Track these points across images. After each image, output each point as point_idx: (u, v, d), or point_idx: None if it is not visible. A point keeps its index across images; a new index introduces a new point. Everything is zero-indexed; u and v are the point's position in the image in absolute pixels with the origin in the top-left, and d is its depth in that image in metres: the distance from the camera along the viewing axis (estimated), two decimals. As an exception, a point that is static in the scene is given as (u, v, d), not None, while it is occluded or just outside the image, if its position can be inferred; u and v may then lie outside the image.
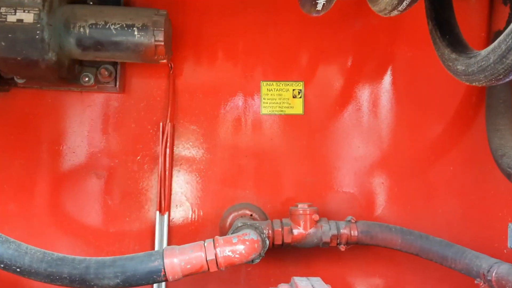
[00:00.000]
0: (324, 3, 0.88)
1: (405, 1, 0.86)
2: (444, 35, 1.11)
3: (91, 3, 1.46)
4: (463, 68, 0.91)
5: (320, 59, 1.65)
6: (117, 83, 1.52)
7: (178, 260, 1.12)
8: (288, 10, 1.61)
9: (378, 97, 1.66)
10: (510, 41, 0.70)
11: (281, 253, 1.50)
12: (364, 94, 1.65)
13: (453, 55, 1.01)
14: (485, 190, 1.59)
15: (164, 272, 1.11)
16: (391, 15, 0.97)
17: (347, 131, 1.64)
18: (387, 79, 1.67)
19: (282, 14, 1.62)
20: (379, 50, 1.67)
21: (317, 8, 0.90)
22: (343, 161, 1.63)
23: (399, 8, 0.91)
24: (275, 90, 1.62)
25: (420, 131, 1.65)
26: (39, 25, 1.25)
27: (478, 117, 1.62)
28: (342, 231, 1.39)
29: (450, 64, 1.00)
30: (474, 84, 0.89)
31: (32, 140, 1.56)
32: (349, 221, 1.42)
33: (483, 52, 0.83)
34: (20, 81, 1.49)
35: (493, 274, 1.15)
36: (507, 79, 0.80)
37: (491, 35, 1.62)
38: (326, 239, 1.38)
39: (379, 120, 1.65)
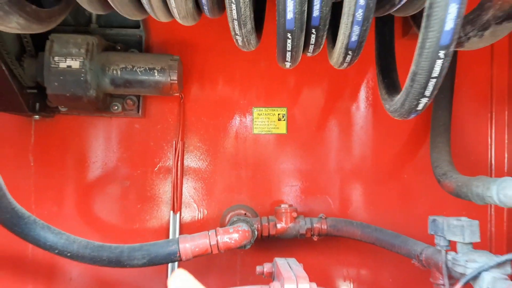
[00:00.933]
0: (290, 64, 1.25)
1: (345, 62, 1.24)
2: (384, 78, 1.49)
3: (119, 48, 1.86)
4: (388, 106, 1.28)
5: (300, 89, 2.03)
6: (139, 110, 1.90)
7: (189, 244, 1.50)
8: (274, 50, 1.99)
9: (349, 119, 2.04)
10: (404, 95, 1.08)
11: (268, 244, 1.88)
12: (337, 116, 2.03)
13: (386, 96, 1.38)
14: (428, 192, 1.96)
15: (179, 253, 1.49)
16: (341, 68, 1.35)
17: (323, 146, 2.02)
18: (356, 104, 2.05)
19: (270, 53, 2.01)
20: (350, 81, 2.04)
21: (286, 67, 1.28)
22: (320, 171, 2.00)
23: (344, 66, 1.29)
24: (264, 114, 2.00)
25: (384, 147, 2.03)
26: (83, 70, 1.64)
27: (427, 136, 2.00)
28: (315, 225, 1.77)
29: (383, 102, 1.38)
30: (395, 118, 1.27)
31: (71, 155, 1.94)
32: (320, 217, 1.79)
33: (396, 97, 1.20)
34: (63, 109, 1.88)
35: (423, 255, 1.51)
36: (411, 117, 1.17)
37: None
38: (302, 231, 1.75)
39: (349, 138, 2.03)
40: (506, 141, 2.01)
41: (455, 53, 1.92)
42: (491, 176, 2.03)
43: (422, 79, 0.97)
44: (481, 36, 1.19)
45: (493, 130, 2.02)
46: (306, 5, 1.03)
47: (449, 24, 0.86)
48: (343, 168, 2.01)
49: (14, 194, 1.45)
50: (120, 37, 1.87)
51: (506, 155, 2.01)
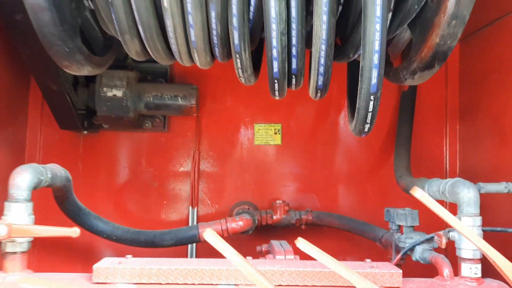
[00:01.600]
0: (279, 97, 1.73)
1: (317, 97, 1.71)
2: (350, 104, 1.96)
3: (149, 78, 2.36)
4: (350, 127, 1.76)
5: (292, 109, 2.51)
6: (165, 127, 2.40)
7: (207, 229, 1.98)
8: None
9: (333, 132, 2.52)
10: (355, 121, 1.55)
11: (266, 231, 2.35)
12: (322, 130, 2.51)
13: (350, 119, 1.86)
14: (394, 190, 2.42)
15: (199, 236, 1.97)
16: (316, 99, 1.82)
17: (311, 154, 2.49)
18: (339, 120, 2.52)
19: (267, 83, 2.49)
20: (333, 101, 2.51)
21: (276, 98, 1.76)
22: (308, 174, 2.48)
23: (318, 98, 1.76)
24: (263, 129, 2.49)
25: (361, 154, 2.51)
26: (125, 98, 2.14)
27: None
28: (302, 216, 2.24)
29: (349, 123, 1.85)
30: (357, 136, 1.74)
31: (111, 162, 2.44)
32: (307, 211, 2.27)
33: (353, 121, 1.67)
34: (105, 126, 2.38)
35: (383, 238, 1.98)
36: (362, 136, 1.64)
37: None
38: (293, 221, 2.23)
39: (333, 147, 2.51)
40: (457, 151, 2.48)
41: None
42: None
43: (362, 112, 1.45)
44: (413, 78, 1.67)
45: (448, 142, 2.49)
46: (286, 62, 1.52)
47: (374, 80, 1.34)
48: (328, 171, 2.49)
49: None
50: (150, 70, 2.37)
51: (457, 162, 2.48)
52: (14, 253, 1.38)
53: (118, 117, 2.17)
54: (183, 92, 2.22)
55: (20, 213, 1.38)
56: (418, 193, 1.11)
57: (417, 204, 2.30)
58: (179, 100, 2.21)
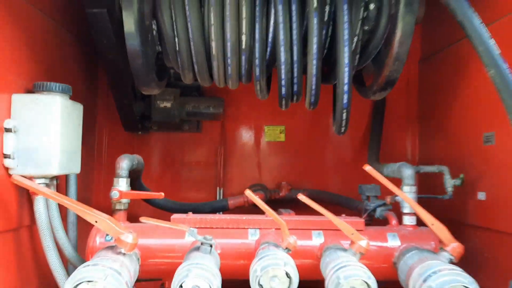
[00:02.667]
0: (285, 108, 2.50)
1: (311, 108, 2.49)
2: (333, 114, 2.74)
3: (178, 87, 3.12)
4: (334, 129, 2.53)
5: (293, 115, 3.28)
6: (199, 128, 3.18)
7: (233, 201, 2.77)
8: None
9: (324, 131, 3.30)
10: (335, 123, 2.32)
11: (274, 205, 3.09)
12: (316, 130, 3.29)
13: (333, 123, 2.63)
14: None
15: (228, 205, 2.75)
16: (310, 109, 2.59)
17: (308, 148, 3.27)
18: (330, 122, 3.30)
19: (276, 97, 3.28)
20: (324, 109, 3.28)
21: (283, 109, 2.53)
22: (306, 163, 3.26)
23: (311, 108, 2.53)
24: (271, 130, 3.26)
25: (346, 148, 3.29)
26: (173, 108, 2.91)
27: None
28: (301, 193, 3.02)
29: (333, 126, 2.63)
30: (338, 134, 2.51)
31: (158, 156, 3.22)
32: (304, 190, 3.05)
33: (334, 125, 2.45)
34: (154, 128, 3.15)
35: (358, 207, 2.75)
36: (340, 135, 2.41)
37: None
38: (293, 197, 3.00)
39: (324, 142, 3.28)
40: (417, 144, 3.26)
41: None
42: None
43: (339, 119, 2.23)
44: (374, 95, 2.44)
45: (410, 137, 3.28)
46: (291, 87, 2.29)
47: (345, 101, 2.12)
48: (320, 160, 3.27)
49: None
50: (188, 86, 3.13)
51: (417, 154, 3.26)
52: (120, 209, 2.17)
53: (166, 123, 2.95)
54: (213, 103, 3.00)
55: (123, 184, 2.16)
56: (367, 168, 1.89)
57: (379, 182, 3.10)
58: (210, 109, 2.99)
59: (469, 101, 2.47)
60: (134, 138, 3.20)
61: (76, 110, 2.18)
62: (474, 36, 1.69)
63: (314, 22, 2.01)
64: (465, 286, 1.66)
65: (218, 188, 3.19)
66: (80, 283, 1.60)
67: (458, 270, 1.73)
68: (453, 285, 1.66)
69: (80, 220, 2.23)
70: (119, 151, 3.02)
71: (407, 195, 2.15)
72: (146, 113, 2.99)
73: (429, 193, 2.55)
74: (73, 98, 2.15)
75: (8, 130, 1.91)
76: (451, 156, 2.69)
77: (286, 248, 1.91)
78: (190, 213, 2.24)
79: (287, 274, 1.73)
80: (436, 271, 1.72)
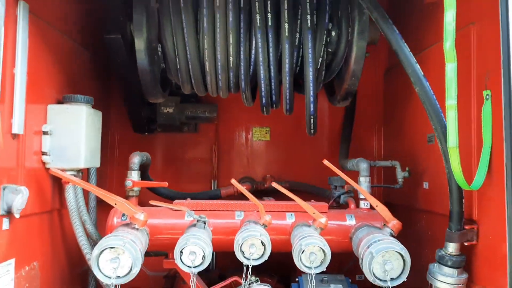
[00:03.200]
0: (266, 114, 3.01)
1: (287, 112, 2.99)
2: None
3: (179, 95, 3.64)
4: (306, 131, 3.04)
5: (277, 118, 3.78)
6: (196, 130, 3.69)
7: (225, 190, 3.28)
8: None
9: (303, 132, 3.81)
10: (307, 126, 2.84)
11: (259, 194, 3.62)
12: (296, 131, 3.80)
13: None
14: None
15: (221, 194, 3.27)
16: (287, 114, 3.10)
17: (290, 146, 3.79)
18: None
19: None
20: (302, 115, 3.80)
21: (264, 114, 3.03)
22: (287, 158, 3.78)
23: (288, 113, 3.04)
24: (258, 130, 3.78)
25: (321, 146, 3.80)
26: (174, 113, 3.43)
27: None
28: (282, 185, 3.53)
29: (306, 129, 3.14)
30: (309, 135, 3.03)
31: (162, 153, 3.73)
32: (285, 181, 3.55)
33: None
34: (159, 130, 3.66)
35: (327, 195, 3.27)
36: (312, 135, 2.93)
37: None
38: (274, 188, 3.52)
39: (303, 142, 3.79)
40: (382, 143, 3.78)
41: (354, 95, 3.70)
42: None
43: (308, 123, 2.75)
44: (339, 103, 2.96)
45: (376, 137, 3.79)
46: (269, 97, 2.80)
47: (312, 109, 2.63)
48: (299, 156, 3.78)
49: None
50: (187, 94, 3.64)
51: (382, 150, 3.78)
52: (132, 196, 2.68)
53: (170, 125, 3.46)
54: (209, 108, 3.51)
55: (135, 175, 2.67)
56: (325, 162, 2.41)
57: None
58: (206, 114, 3.50)
59: (416, 107, 2.98)
60: (142, 138, 3.71)
61: (96, 117, 2.68)
62: (404, 61, 2.20)
63: (286, 47, 2.52)
64: (397, 252, 2.17)
65: (212, 180, 3.70)
66: (105, 249, 2.11)
67: (393, 240, 2.24)
68: (387, 250, 2.17)
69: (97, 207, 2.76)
70: (128, 149, 3.52)
71: (359, 185, 2.67)
72: (152, 117, 3.49)
73: (389, 184, 3.08)
74: (93, 106, 2.65)
75: (45, 133, 2.41)
76: (405, 152, 3.21)
77: (263, 224, 2.42)
78: (189, 199, 2.75)
79: (262, 243, 2.24)
80: (377, 240, 2.24)
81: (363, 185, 2.76)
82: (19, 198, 2.03)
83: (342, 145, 3.59)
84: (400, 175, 2.94)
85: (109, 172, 3.58)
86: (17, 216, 2.06)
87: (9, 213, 2.04)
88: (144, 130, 3.52)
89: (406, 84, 3.22)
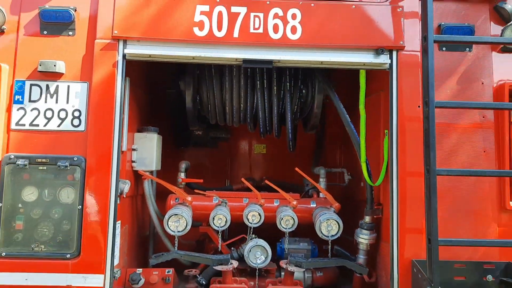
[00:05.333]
0: (263, 137, 4.59)
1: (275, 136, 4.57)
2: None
3: (206, 123, 5.24)
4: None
5: (271, 139, 5.36)
6: (216, 145, 5.29)
7: (235, 186, 4.88)
8: (262, 124, 5.40)
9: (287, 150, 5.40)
10: (288, 147, 4.42)
11: (259, 190, 5.21)
12: (284, 148, 5.37)
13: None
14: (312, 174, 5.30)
15: (232, 189, 4.86)
16: (263, 138, 4.69)
17: (280, 156, 5.37)
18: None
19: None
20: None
21: (262, 137, 4.61)
22: (280, 165, 5.36)
23: (268, 134, 4.62)
24: (258, 146, 5.37)
25: (302, 158, 5.39)
26: (203, 135, 5.02)
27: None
28: (273, 183, 5.12)
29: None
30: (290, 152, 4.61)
31: (195, 161, 5.32)
32: (275, 180, 5.13)
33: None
34: (192, 145, 5.25)
35: (304, 192, 4.84)
36: (292, 152, 4.51)
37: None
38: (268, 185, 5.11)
39: (288, 156, 5.38)
40: (343, 156, 5.38)
41: (323, 124, 5.29)
42: (338, 168, 5.40)
43: (289, 144, 4.35)
44: (309, 131, 4.56)
45: (339, 152, 5.39)
46: (266, 127, 4.39)
47: (291, 135, 4.24)
48: (286, 164, 5.35)
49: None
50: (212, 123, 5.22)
51: (343, 161, 5.37)
52: (181, 187, 4.28)
53: (198, 142, 5.07)
54: (225, 132, 5.11)
55: (183, 175, 4.28)
56: (297, 169, 4.01)
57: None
58: (223, 135, 5.11)
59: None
60: (179, 150, 5.31)
61: (160, 139, 4.28)
62: (339, 111, 3.81)
63: (275, 100, 4.12)
64: (335, 220, 3.77)
65: (226, 180, 5.30)
66: (171, 216, 3.71)
67: (334, 214, 3.84)
68: (329, 219, 3.76)
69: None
70: (170, 158, 5.13)
71: (318, 184, 4.26)
72: (187, 137, 5.10)
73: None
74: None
75: (134, 149, 4.01)
76: (354, 162, 4.81)
77: (260, 205, 4.01)
78: (214, 190, 4.35)
79: (259, 214, 3.84)
80: (324, 213, 3.84)
81: (321, 184, 4.35)
82: (127, 186, 3.62)
83: (315, 157, 5.18)
84: (346, 177, 4.54)
85: (158, 173, 5.18)
86: (124, 196, 3.65)
87: (120, 194, 3.64)
88: (181, 145, 5.12)
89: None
